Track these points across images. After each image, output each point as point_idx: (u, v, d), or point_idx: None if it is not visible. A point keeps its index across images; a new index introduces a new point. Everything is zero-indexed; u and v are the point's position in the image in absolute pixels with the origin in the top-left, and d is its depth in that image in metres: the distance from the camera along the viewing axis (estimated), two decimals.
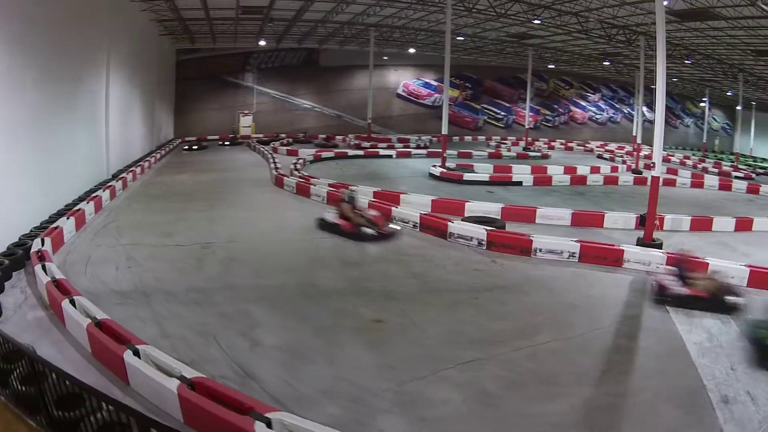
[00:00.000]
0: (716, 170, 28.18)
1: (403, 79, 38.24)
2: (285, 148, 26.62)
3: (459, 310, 7.65)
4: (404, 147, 29.37)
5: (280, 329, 6.75)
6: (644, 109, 43.75)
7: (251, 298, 7.70)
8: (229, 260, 9.42)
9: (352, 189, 12.80)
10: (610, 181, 21.43)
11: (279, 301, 7.65)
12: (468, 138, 36.99)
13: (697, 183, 22.63)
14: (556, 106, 42.28)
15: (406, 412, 5.07)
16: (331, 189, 14.72)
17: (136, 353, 5.18)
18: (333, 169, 21.17)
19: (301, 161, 20.90)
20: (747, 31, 19.68)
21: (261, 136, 31.73)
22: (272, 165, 19.62)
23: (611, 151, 33.29)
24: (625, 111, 43.71)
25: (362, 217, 11.31)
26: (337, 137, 32.13)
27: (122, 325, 5.85)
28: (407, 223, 12.31)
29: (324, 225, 11.65)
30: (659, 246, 11.19)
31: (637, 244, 11.15)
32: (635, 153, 26.70)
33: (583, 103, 43.41)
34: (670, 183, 21.73)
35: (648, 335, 7.13)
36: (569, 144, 36.86)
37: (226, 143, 29.83)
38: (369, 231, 10.99)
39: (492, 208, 13.69)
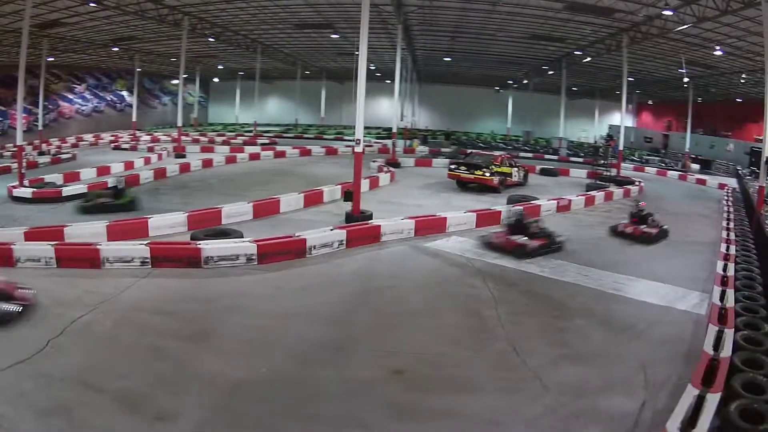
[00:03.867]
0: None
1: None
2: None
3: None
4: None
5: None
6: (124, 93, 42.92)
7: None
8: None
9: None
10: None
11: None
12: None
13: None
14: (46, 103, 35.43)
15: None
16: None
17: None
18: None
19: None
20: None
21: None
22: None
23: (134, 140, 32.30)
24: (108, 99, 41.68)
25: None
26: None
27: None
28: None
29: None
30: (369, 218, 12.26)
31: (347, 220, 12.31)
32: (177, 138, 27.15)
33: (70, 96, 38.50)
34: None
35: None
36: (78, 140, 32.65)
37: None
38: None
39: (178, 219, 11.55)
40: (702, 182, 26.14)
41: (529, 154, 33.83)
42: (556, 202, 15.69)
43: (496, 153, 21.54)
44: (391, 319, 7.36)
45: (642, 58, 27.40)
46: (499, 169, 17.95)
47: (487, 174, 17.43)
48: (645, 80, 34.05)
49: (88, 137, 33.70)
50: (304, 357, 6.11)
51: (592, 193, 17.88)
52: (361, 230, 10.49)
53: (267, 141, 33.11)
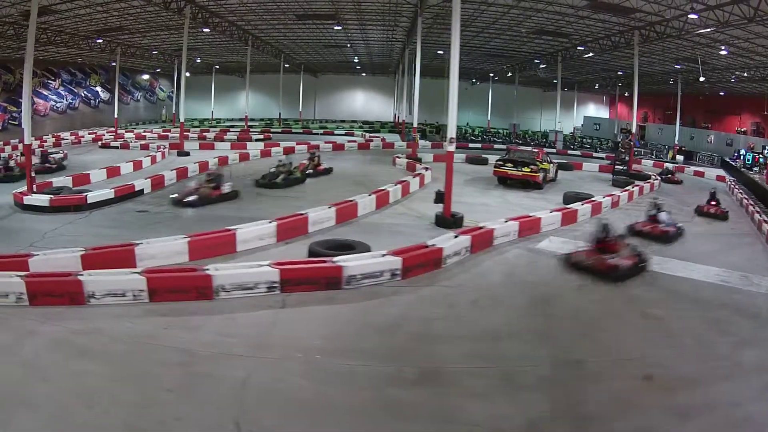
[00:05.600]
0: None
1: None
2: None
3: None
4: None
5: None
6: (98, 89, 39.95)
7: None
8: None
9: None
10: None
11: None
12: None
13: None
14: (21, 101, 32.15)
15: None
16: None
17: None
18: None
19: None
20: None
21: None
22: None
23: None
24: (83, 95, 38.60)
25: None
26: None
27: None
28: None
29: None
30: (461, 220, 11.75)
31: (438, 223, 11.73)
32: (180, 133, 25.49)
33: (45, 93, 35.24)
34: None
35: None
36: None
37: None
38: None
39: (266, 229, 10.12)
40: (700, 174, 27.13)
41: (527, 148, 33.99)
42: (610, 198, 15.69)
43: (533, 149, 21.33)
44: (584, 327, 7.20)
45: (641, 54, 28.09)
46: (542, 166, 17.82)
47: (534, 170, 17.26)
48: (630, 74, 34.94)
49: (66, 135, 31.03)
50: (555, 380, 5.69)
51: (629, 189, 18.03)
52: (481, 235, 9.94)
53: (261, 137, 31.59)
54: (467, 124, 46.72)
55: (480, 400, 5.21)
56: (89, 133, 31.83)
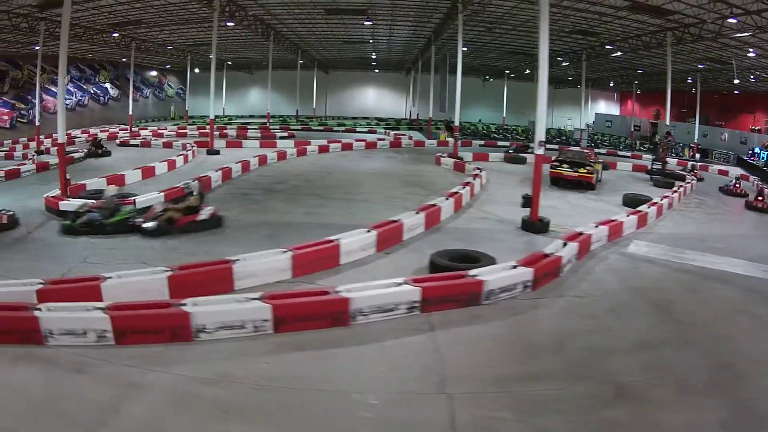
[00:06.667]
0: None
1: None
2: None
3: None
4: None
5: None
6: (107, 86, 39.21)
7: None
8: None
9: None
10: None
11: None
12: None
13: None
14: (30, 97, 31.65)
15: None
16: None
17: None
18: None
19: None
20: None
21: None
22: None
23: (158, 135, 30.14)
24: (92, 91, 37.81)
25: None
26: None
27: None
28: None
29: None
30: (548, 225, 11.78)
31: (525, 227, 11.72)
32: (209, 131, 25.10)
33: (54, 89, 34.41)
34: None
35: None
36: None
37: None
38: None
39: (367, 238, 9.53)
40: (724, 173, 27.42)
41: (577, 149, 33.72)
42: (667, 200, 15.78)
43: (583, 149, 21.37)
44: (710, 329, 7.30)
45: (661, 53, 28.28)
46: (595, 166, 17.91)
47: (590, 171, 17.34)
48: (649, 72, 35.26)
49: (77, 133, 30.39)
50: (718, 383, 5.80)
51: (676, 189, 18.16)
52: (583, 241, 9.92)
53: (285, 134, 31.29)
54: (479, 120, 46.81)
55: (671, 410, 5.21)
56: (101, 131, 31.26)
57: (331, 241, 9.02)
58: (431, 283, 7.31)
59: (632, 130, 40.32)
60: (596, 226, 10.97)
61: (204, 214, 11.09)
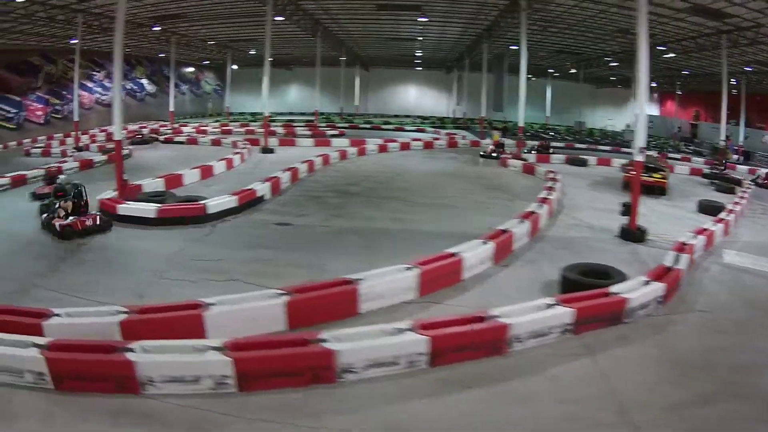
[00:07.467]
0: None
1: None
2: None
3: None
4: None
5: None
6: (144, 81, 39.67)
7: None
8: None
9: None
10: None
11: None
12: None
13: None
14: (65, 93, 32.22)
15: None
16: None
17: None
18: None
19: None
20: None
21: None
22: None
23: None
24: (128, 87, 38.29)
25: None
26: None
27: None
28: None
29: None
30: (645, 233, 11.77)
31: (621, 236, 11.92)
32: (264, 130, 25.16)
33: (90, 85, 35.06)
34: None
35: None
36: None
37: None
38: None
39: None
40: None
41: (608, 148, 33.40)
42: (740, 207, 15.82)
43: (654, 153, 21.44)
44: None
45: (710, 56, 28.17)
46: (666, 171, 18.23)
47: (664, 176, 17.62)
48: (694, 74, 35.10)
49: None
50: None
51: (742, 194, 18.18)
52: (691, 250, 10.11)
53: (336, 132, 31.78)
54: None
55: None
56: (140, 127, 31.16)
57: (453, 254, 8.57)
58: (582, 303, 7.17)
59: (675, 131, 40.16)
60: (694, 236, 11.11)
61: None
